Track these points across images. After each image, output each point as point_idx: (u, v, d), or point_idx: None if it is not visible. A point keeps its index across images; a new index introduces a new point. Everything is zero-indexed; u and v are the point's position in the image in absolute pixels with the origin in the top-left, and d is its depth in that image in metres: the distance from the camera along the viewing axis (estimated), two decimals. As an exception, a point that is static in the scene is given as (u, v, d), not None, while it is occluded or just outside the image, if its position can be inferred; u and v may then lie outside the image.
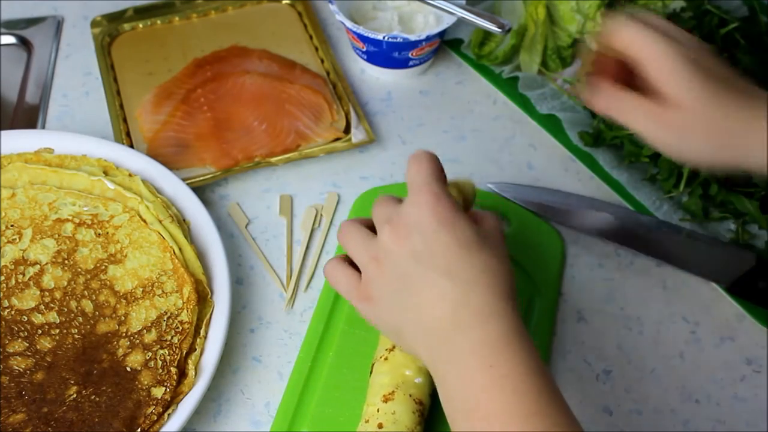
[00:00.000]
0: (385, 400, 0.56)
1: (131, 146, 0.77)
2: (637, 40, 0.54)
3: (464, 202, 0.61)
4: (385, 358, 0.58)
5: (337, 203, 0.75)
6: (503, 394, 0.47)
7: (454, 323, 0.50)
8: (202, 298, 0.64)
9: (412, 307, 0.52)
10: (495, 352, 0.48)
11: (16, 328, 0.63)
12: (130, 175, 0.71)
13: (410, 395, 0.56)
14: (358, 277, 0.56)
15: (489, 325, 0.49)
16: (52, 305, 0.64)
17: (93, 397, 0.59)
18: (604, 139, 0.76)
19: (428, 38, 0.80)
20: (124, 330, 0.63)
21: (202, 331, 0.62)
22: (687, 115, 0.53)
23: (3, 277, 0.65)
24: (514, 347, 0.49)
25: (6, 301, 0.64)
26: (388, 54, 0.82)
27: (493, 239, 0.53)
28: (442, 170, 0.55)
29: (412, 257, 0.51)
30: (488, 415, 0.47)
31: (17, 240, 0.67)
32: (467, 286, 0.50)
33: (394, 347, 0.59)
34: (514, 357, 0.48)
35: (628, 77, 0.56)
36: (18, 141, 0.73)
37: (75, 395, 0.59)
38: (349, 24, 0.80)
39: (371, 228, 0.56)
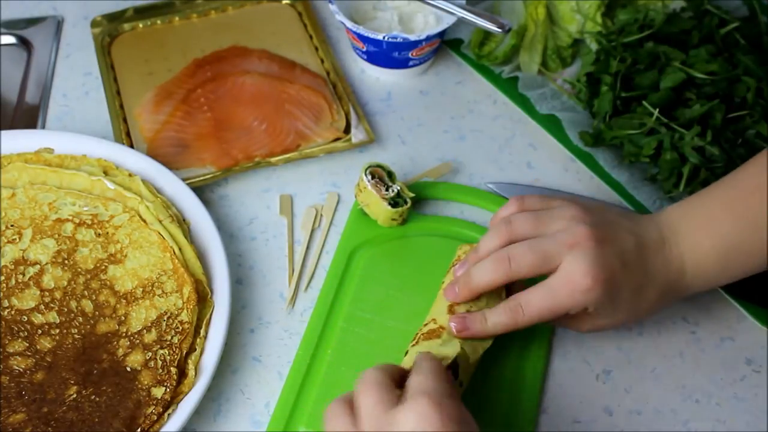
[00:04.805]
0: None
1: (131, 146, 0.77)
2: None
3: (388, 174, 0.68)
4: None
5: (337, 203, 0.75)
6: None
7: None
8: (202, 298, 0.64)
9: None
10: None
11: (16, 328, 0.63)
12: (130, 175, 0.71)
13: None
14: None
15: None
16: (52, 305, 0.64)
17: (93, 397, 0.59)
18: (604, 139, 0.76)
19: (428, 38, 0.80)
20: (124, 330, 0.63)
21: (202, 331, 0.62)
22: (611, 317, 0.60)
23: (3, 277, 0.65)
24: None
25: (6, 301, 0.64)
26: (388, 54, 0.82)
27: None
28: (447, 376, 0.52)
29: None
30: None
31: (17, 240, 0.67)
32: None
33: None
34: None
35: None
36: (18, 141, 0.73)
37: (75, 395, 0.59)
38: (349, 24, 0.80)
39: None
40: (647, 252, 0.59)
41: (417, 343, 0.58)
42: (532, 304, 0.58)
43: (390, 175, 0.71)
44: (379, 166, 0.71)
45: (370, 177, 0.70)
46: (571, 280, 0.56)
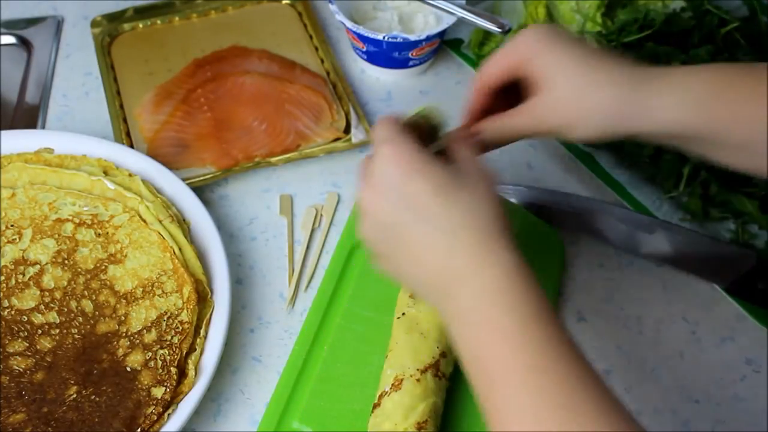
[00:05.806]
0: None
1: (131, 146, 0.77)
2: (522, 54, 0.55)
3: (432, 129, 0.61)
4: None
5: (337, 203, 0.75)
6: (502, 348, 0.44)
7: (452, 275, 0.47)
8: (202, 298, 0.64)
9: (408, 261, 0.49)
10: (492, 304, 0.45)
11: (16, 328, 0.63)
12: (130, 175, 0.71)
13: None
14: None
15: (483, 272, 0.46)
16: (52, 305, 0.64)
17: (93, 397, 0.59)
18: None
19: (428, 38, 0.80)
20: (124, 330, 0.63)
21: (202, 331, 0.62)
22: (557, 95, 0.53)
23: (3, 277, 0.65)
24: (513, 294, 0.45)
25: (6, 301, 0.64)
26: (388, 54, 0.82)
27: (470, 174, 0.50)
28: (403, 125, 0.52)
29: (393, 213, 0.49)
30: (490, 372, 0.44)
31: (17, 240, 0.67)
32: (452, 232, 0.47)
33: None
34: (513, 307, 0.45)
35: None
36: (18, 141, 0.73)
37: (75, 395, 0.59)
38: (349, 24, 0.80)
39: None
40: None
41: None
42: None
43: None
44: None
45: None
46: None
